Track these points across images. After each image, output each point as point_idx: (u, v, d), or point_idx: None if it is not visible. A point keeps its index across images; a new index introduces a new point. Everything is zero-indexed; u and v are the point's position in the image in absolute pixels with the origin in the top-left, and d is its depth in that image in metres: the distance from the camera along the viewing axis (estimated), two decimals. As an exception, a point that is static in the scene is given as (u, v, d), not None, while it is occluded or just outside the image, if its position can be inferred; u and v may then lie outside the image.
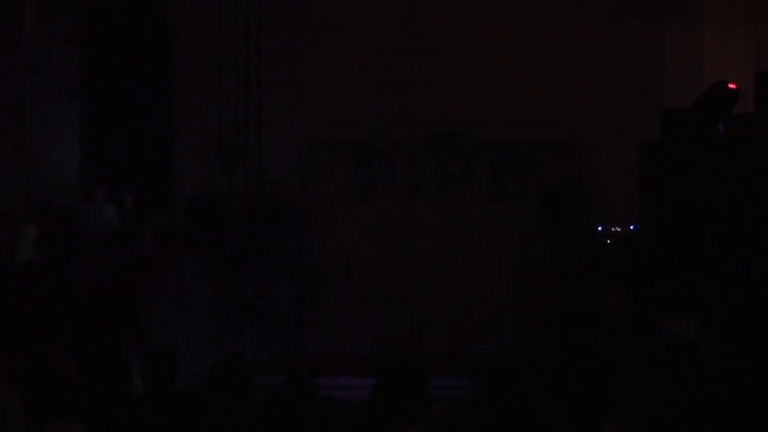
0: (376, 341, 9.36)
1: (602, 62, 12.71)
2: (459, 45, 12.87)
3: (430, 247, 12.26)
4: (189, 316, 10.38)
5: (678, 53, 12.85)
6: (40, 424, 5.06)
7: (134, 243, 11.00)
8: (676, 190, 9.74)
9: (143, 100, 12.76)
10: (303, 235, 12.12)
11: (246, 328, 11.25)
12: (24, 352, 7.11)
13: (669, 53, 12.89)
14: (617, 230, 11.74)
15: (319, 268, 12.26)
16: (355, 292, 12.18)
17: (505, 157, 12.42)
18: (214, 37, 11.91)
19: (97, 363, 5.44)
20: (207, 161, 12.01)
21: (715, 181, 9.31)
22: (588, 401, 4.70)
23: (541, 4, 12.89)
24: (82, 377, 5.60)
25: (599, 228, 11.87)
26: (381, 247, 12.21)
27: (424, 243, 12.29)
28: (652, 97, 12.12)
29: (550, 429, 4.71)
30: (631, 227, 11.42)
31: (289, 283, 11.80)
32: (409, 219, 12.30)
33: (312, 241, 12.25)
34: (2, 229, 11.02)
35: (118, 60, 12.72)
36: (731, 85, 9.69)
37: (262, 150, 12.21)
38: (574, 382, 4.77)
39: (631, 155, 10.52)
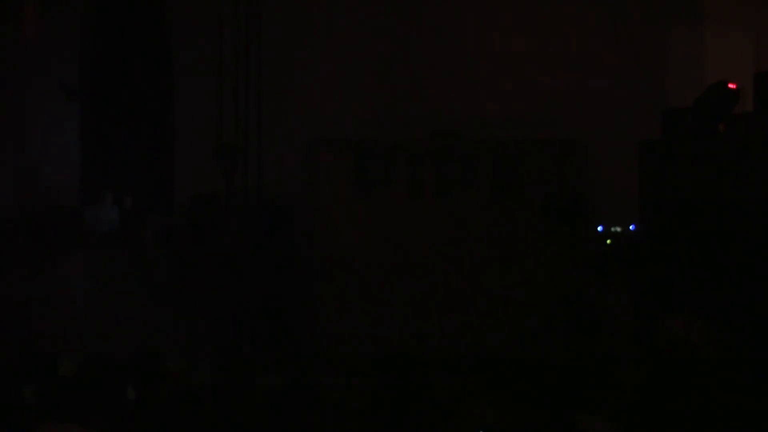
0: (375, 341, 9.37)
1: (602, 62, 12.73)
2: (459, 45, 12.88)
3: (430, 247, 12.24)
4: (188, 316, 10.38)
5: (678, 53, 12.87)
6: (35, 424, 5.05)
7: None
8: (676, 190, 9.74)
9: (143, 99, 12.77)
10: (302, 234, 12.11)
11: (246, 328, 11.25)
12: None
13: (669, 53, 12.90)
14: (617, 230, 11.74)
15: (319, 268, 12.24)
16: (355, 291, 12.16)
17: (505, 157, 12.40)
18: (214, 37, 11.92)
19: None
20: (207, 161, 12.02)
21: (715, 181, 9.31)
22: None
23: (542, 4, 12.90)
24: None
25: (599, 228, 11.87)
26: (381, 247, 12.18)
27: (424, 243, 12.27)
28: (652, 97, 12.13)
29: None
30: (631, 227, 11.42)
31: (288, 283, 11.79)
32: (409, 219, 12.28)
33: (311, 241, 12.23)
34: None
35: (118, 60, 12.73)
36: (731, 85, 9.69)
37: (262, 150, 12.22)
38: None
39: (631, 155, 10.53)
